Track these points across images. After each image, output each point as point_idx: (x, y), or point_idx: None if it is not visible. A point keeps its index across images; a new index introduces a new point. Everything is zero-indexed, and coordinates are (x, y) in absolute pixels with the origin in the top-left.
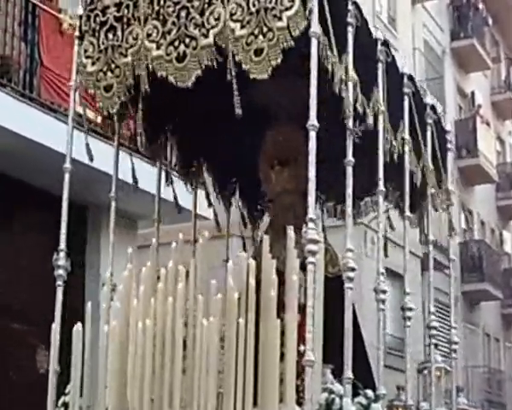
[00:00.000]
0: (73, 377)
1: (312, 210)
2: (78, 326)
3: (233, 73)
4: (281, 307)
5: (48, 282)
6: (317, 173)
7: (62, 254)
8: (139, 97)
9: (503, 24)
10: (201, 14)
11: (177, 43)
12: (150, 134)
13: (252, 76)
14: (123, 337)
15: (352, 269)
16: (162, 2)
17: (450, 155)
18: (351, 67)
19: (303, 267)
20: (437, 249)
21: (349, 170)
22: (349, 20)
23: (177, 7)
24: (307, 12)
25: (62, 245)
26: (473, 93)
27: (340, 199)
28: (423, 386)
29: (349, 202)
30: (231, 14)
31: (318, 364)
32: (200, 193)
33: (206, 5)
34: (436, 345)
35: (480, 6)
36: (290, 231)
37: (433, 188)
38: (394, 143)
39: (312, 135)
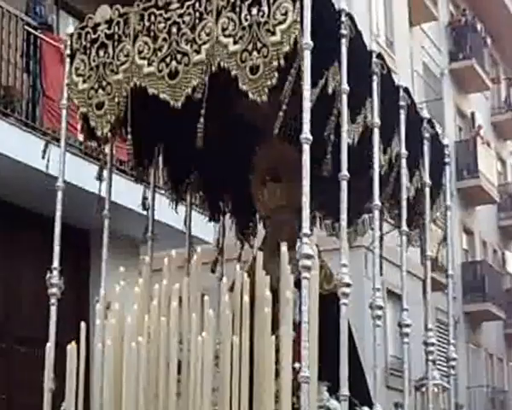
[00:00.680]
0: (68, 395)
1: (307, 225)
2: (72, 345)
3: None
4: (275, 325)
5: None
6: (312, 189)
7: (55, 273)
8: (128, 116)
9: (503, 44)
10: (193, 29)
11: (168, 60)
12: (140, 153)
13: (251, 97)
14: (117, 356)
15: (348, 285)
16: (153, 19)
17: (448, 170)
18: (344, 79)
19: (297, 285)
20: (439, 270)
21: (343, 184)
22: (342, 31)
23: (168, 23)
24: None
25: (55, 263)
26: (473, 114)
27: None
28: (421, 404)
29: (343, 216)
30: (223, 29)
31: (314, 381)
32: (199, 216)
33: (197, 20)
34: (434, 361)
35: (479, 26)
36: (283, 246)
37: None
38: (388, 156)
39: (306, 148)
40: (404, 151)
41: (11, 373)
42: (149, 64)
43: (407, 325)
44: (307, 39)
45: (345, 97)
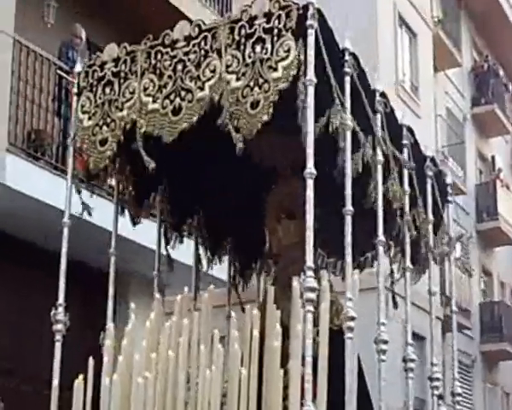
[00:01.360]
0: None
1: (310, 258)
2: (78, 380)
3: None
4: (286, 360)
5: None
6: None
7: (61, 309)
8: (131, 153)
9: None
10: (197, 66)
11: (172, 97)
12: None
13: (242, 132)
14: (124, 392)
15: (352, 318)
16: (159, 57)
17: (451, 208)
18: (349, 115)
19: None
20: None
21: (348, 219)
22: (346, 69)
23: (174, 60)
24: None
25: (61, 300)
26: (493, 157)
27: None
28: None
29: (348, 250)
30: (227, 66)
31: None
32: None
33: (202, 58)
34: (440, 396)
35: (501, 72)
36: (295, 281)
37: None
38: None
39: (310, 183)
40: (407, 188)
41: None
42: (154, 101)
43: (412, 360)
44: (311, 76)
45: (348, 134)
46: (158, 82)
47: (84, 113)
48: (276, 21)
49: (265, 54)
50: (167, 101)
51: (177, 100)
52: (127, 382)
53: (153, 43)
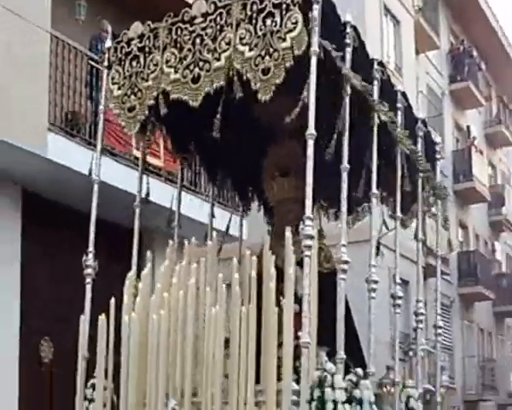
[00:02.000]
0: (99, 362)
1: (309, 210)
2: (102, 317)
3: (240, 94)
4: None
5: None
6: (318, 181)
7: (90, 256)
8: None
9: (494, 68)
10: (214, 40)
11: (192, 67)
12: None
13: (259, 96)
14: (142, 328)
15: (345, 262)
16: (179, 32)
17: (439, 164)
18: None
19: (301, 264)
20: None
21: (344, 175)
22: (347, 41)
23: (193, 35)
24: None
25: (91, 247)
26: (468, 127)
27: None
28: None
29: (344, 203)
30: (241, 39)
31: (313, 346)
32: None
33: (218, 32)
34: (422, 329)
35: (475, 53)
36: (288, 231)
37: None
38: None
39: (310, 143)
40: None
41: None
42: (175, 72)
43: (399, 297)
44: (315, 46)
45: (347, 100)
46: (179, 55)
47: (113, 84)
48: None
49: (275, 26)
50: (187, 71)
51: (196, 70)
52: (144, 319)
53: (173, 20)
